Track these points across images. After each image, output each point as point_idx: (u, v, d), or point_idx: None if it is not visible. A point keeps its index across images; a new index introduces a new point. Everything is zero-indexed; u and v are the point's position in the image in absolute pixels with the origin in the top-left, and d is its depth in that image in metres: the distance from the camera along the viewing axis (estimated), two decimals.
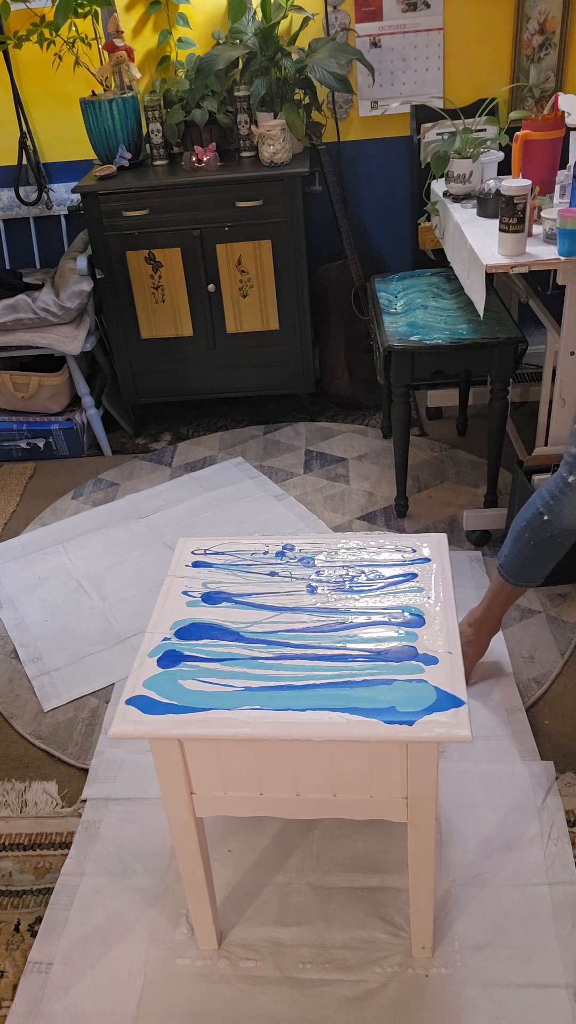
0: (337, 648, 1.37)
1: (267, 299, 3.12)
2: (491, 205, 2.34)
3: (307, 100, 3.10)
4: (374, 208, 3.42)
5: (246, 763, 1.32)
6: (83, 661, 2.29)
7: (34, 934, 1.64)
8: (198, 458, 3.21)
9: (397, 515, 2.76)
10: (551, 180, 2.31)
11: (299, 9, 2.97)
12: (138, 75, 3.03)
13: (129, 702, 1.29)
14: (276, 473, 3.06)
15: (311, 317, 3.18)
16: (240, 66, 3.02)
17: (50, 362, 3.30)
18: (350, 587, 1.50)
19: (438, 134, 2.77)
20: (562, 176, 2.28)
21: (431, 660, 1.33)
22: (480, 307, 2.22)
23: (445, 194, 2.59)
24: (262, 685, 1.31)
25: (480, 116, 2.61)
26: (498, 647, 2.19)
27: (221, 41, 3.03)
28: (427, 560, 1.56)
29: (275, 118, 2.99)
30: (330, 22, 3.07)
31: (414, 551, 1.58)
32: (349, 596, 1.48)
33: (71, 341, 3.06)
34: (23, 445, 3.29)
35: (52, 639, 2.38)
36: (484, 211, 2.37)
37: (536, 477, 2.32)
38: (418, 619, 1.42)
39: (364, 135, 3.27)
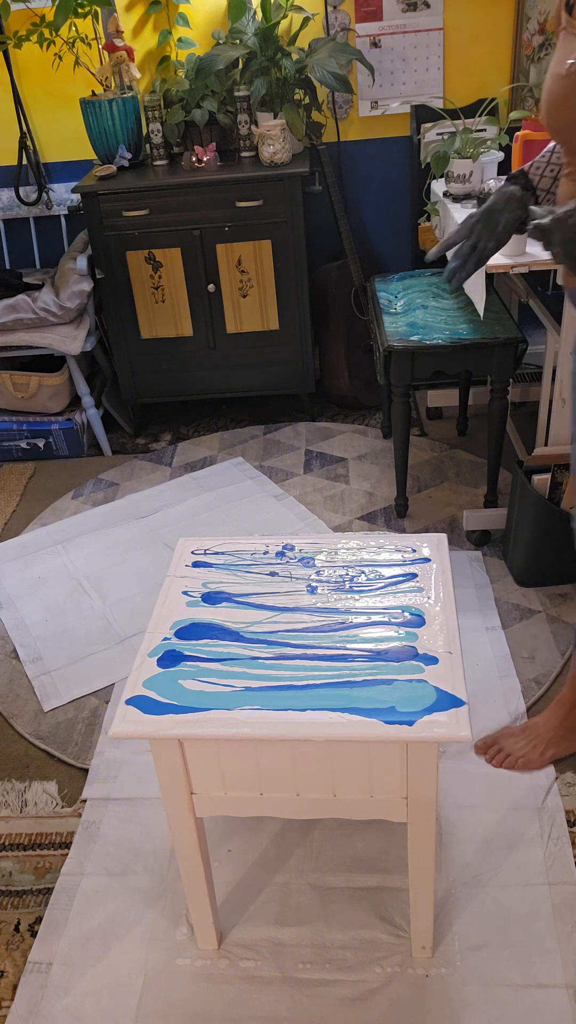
0: (337, 648, 1.37)
1: (267, 299, 3.12)
2: None
3: (307, 100, 3.10)
4: (374, 208, 3.42)
5: (246, 763, 1.32)
6: (83, 661, 2.29)
7: (34, 934, 1.64)
8: (198, 458, 3.21)
9: (397, 515, 2.76)
10: None
11: (299, 9, 2.97)
12: (138, 75, 3.03)
13: (129, 702, 1.29)
14: (276, 473, 3.06)
15: (311, 317, 3.18)
16: (240, 66, 3.02)
17: (50, 362, 3.30)
18: (350, 587, 1.50)
19: (438, 134, 2.77)
20: None
21: (431, 660, 1.33)
22: (480, 307, 2.22)
23: (445, 194, 2.59)
24: (262, 685, 1.31)
25: (480, 116, 2.61)
26: (499, 647, 2.20)
27: (221, 41, 3.03)
28: (427, 560, 1.56)
29: (275, 118, 2.99)
30: (330, 22, 3.07)
31: (414, 551, 1.58)
32: (349, 596, 1.48)
33: (71, 341, 3.06)
34: (23, 445, 3.29)
35: (52, 639, 2.38)
36: None
37: (536, 477, 2.32)
38: (418, 619, 1.42)
39: (364, 135, 3.27)
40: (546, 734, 1.86)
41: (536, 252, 2.09)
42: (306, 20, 3.01)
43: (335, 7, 3.05)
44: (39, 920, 1.66)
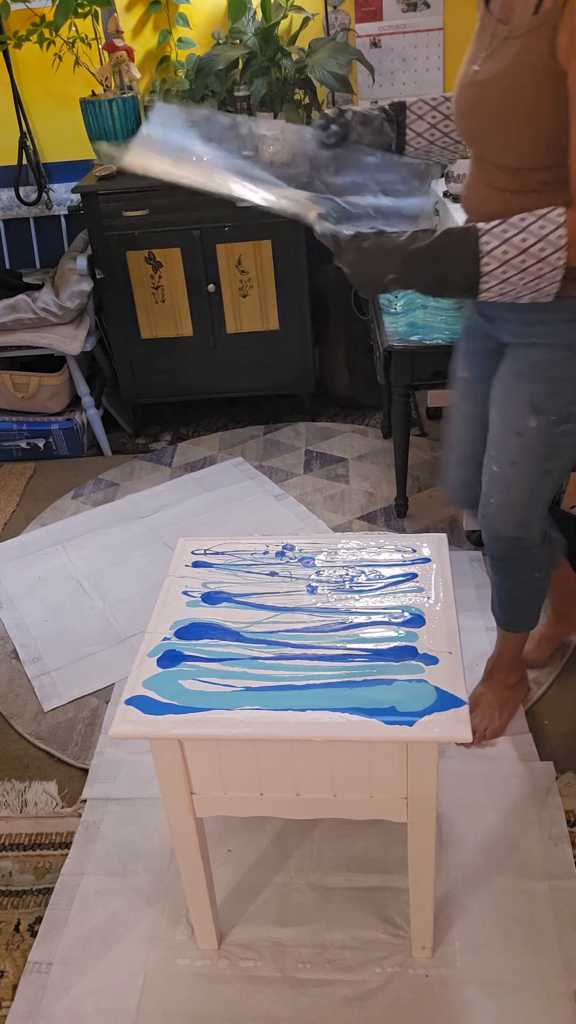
0: (337, 648, 1.37)
1: (267, 299, 3.12)
2: None
3: (307, 100, 3.10)
4: None
5: (246, 763, 1.32)
6: (83, 661, 2.29)
7: (34, 934, 1.64)
8: (198, 458, 3.21)
9: (397, 515, 2.76)
10: None
11: (299, 9, 2.97)
12: (138, 75, 3.03)
13: (129, 702, 1.29)
14: (276, 473, 3.06)
15: (311, 317, 3.18)
16: (240, 66, 3.02)
17: (50, 362, 3.30)
18: (350, 587, 1.50)
19: None
20: None
21: (431, 660, 1.33)
22: None
23: (445, 194, 2.59)
24: (262, 685, 1.31)
25: None
26: None
27: (221, 41, 3.03)
28: (427, 560, 1.56)
29: (275, 118, 2.99)
30: (330, 22, 3.07)
31: (414, 551, 1.58)
32: (349, 596, 1.48)
33: (71, 341, 3.06)
34: (23, 445, 3.29)
35: (52, 639, 2.38)
36: None
37: None
38: (418, 619, 1.42)
39: None
40: (495, 700, 1.97)
41: None
42: (306, 20, 3.01)
43: (335, 7, 3.05)
44: (39, 920, 1.66)
